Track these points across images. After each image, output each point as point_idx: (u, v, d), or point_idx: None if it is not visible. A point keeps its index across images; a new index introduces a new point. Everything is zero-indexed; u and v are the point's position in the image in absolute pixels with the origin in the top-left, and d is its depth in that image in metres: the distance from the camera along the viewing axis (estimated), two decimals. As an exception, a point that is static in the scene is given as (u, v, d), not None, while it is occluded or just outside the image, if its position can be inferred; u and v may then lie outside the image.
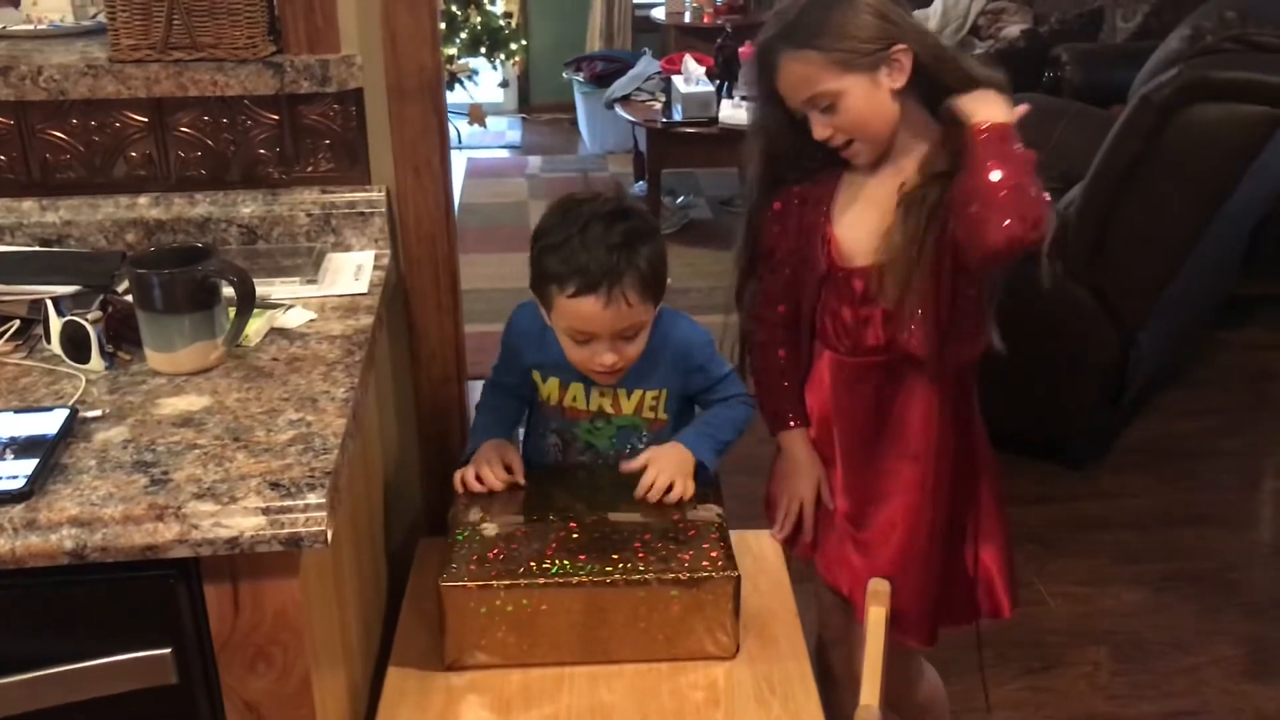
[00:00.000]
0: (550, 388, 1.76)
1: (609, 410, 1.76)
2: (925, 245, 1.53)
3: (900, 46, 1.51)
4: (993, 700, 2.10)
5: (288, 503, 1.15)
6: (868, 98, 1.53)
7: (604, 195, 1.64)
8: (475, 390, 1.87)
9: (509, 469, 1.71)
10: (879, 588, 1.66)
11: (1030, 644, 2.49)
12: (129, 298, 1.49)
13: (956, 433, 1.68)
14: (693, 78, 4.83)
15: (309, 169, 1.76)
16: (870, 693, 1.53)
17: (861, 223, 1.62)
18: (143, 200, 1.73)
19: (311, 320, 1.55)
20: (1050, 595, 2.68)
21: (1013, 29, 4.78)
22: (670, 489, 1.66)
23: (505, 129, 6.52)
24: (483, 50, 6.13)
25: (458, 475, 1.70)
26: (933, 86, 1.55)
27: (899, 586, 1.68)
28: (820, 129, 1.57)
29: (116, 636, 1.17)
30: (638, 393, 1.74)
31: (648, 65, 5.36)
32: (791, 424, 1.77)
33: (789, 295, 1.73)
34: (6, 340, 1.46)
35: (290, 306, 1.57)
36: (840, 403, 1.71)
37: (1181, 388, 3.63)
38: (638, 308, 1.59)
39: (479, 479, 1.69)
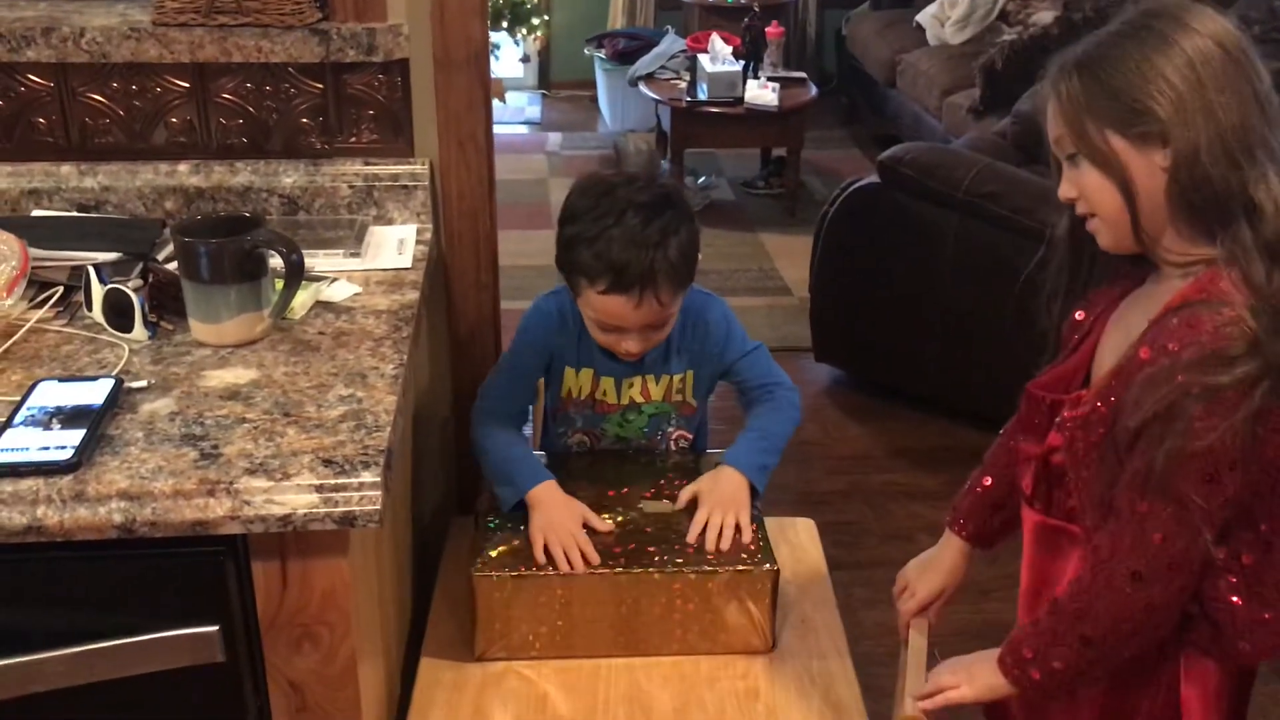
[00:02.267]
0: (583, 380, 1.71)
1: (639, 399, 1.72)
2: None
3: (1151, 158, 1.16)
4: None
5: (342, 480, 1.12)
6: (1115, 168, 1.18)
7: (638, 176, 1.58)
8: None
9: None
10: (921, 621, 1.57)
11: None
12: (170, 266, 1.46)
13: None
14: (719, 57, 4.78)
15: (352, 140, 1.73)
16: (907, 707, 1.48)
17: (1101, 352, 1.31)
18: (183, 168, 1.70)
19: (356, 294, 1.52)
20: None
21: (1045, 15, 4.71)
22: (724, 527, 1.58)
23: (525, 105, 6.46)
24: (504, 25, 6.07)
25: (539, 544, 1.52)
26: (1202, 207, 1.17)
27: None
28: (1064, 185, 1.25)
29: (164, 612, 1.15)
30: (665, 378, 1.71)
31: (672, 43, 5.31)
32: (955, 527, 1.55)
33: None
34: (50, 306, 1.43)
35: (335, 279, 1.54)
36: (1024, 548, 1.46)
37: None
38: (670, 305, 1.56)
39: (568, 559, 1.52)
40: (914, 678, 1.49)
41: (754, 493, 1.63)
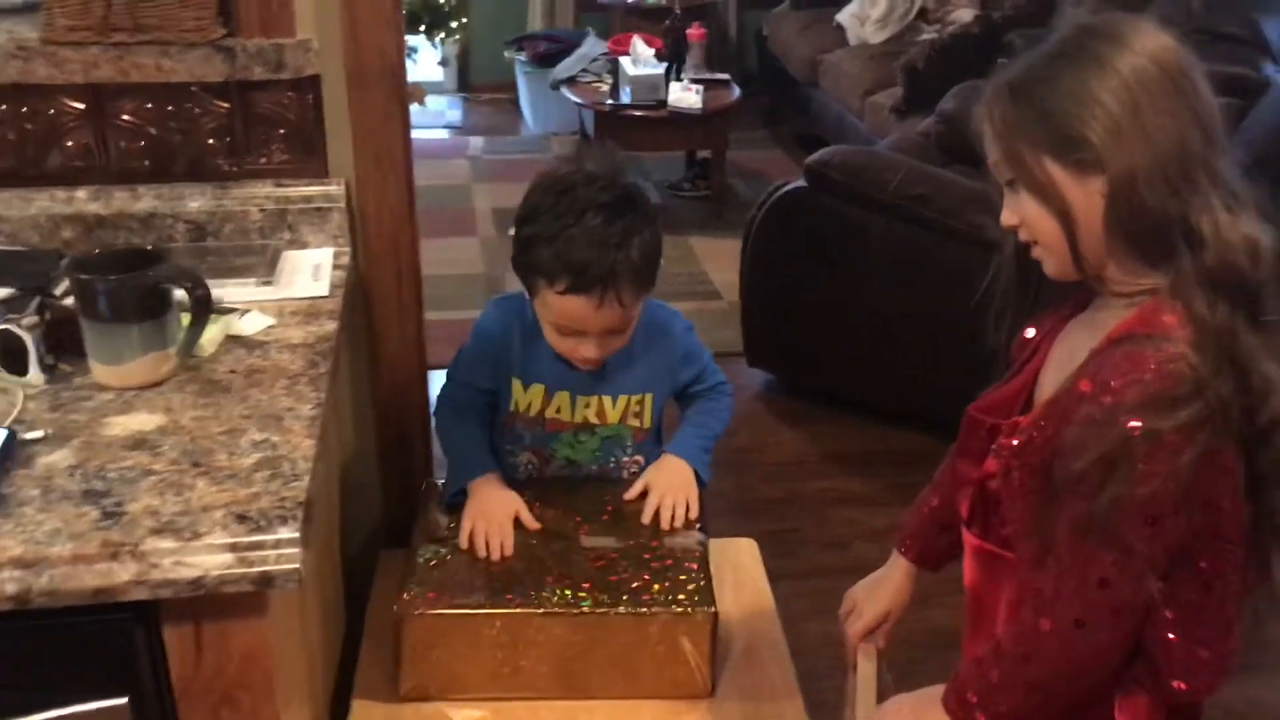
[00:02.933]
0: (532, 396, 1.64)
1: (594, 420, 1.65)
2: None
3: (1089, 186, 1.11)
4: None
5: (257, 538, 1.05)
6: (1053, 196, 1.13)
7: (599, 175, 1.52)
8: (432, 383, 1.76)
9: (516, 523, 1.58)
10: (869, 646, 1.53)
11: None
12: (68, 301, 1.37)
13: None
14: (641, 59, 4.72)
15: (262, 160, 1.65)
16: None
17: (1045, 375, 1.27)
18: (81, 194, 1.61)
19: (270, 326, 1.44)
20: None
21: (964, 13, 4.74)
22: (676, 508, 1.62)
23: (445, 109, 6.35)
24: (422, 28, 5.97)
25: (466, 530, 1.54)
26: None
27: None
28: (1005, 213, 1.20)
29: (67, 686, 1.06)
30: (623, 398, 1.65)
31: (593, 46, 5.25)
32: (902, 548, 1.50)
33: None
34: (-67, 351, 1.33)
35: (246, 311, 1.45)
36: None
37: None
38: (632, 305, 1.51)
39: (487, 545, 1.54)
40: (863, 707, 1.45)
41: (699, 480, 1.65)
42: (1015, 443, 1.20)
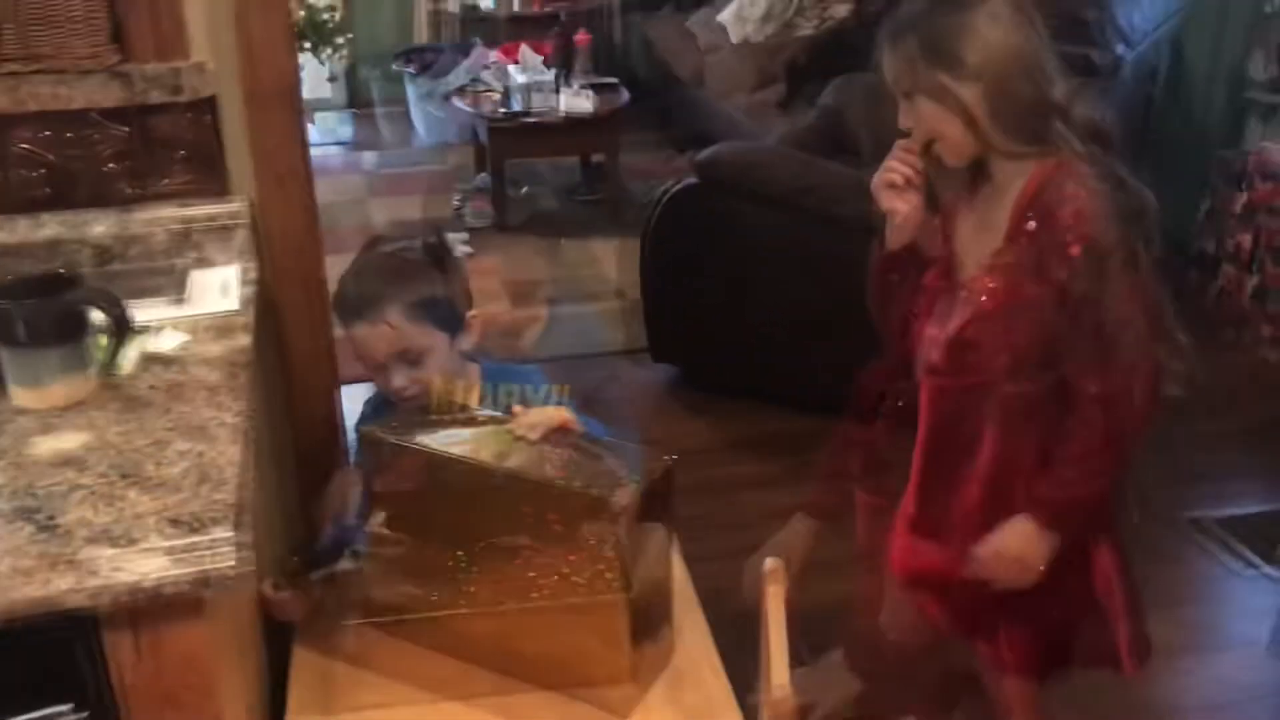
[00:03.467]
0: None
1: None
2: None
3: (972, 89, 1.47)
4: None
5: (193, 539, 1.09)
6: (950, 97, 1.48)
7: (405, 238, 1.72)
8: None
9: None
10: (774, 566, 1.66)
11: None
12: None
13: (1036, 472, 1.60)
14: (530, 67, 4.79)
15: (164, 182, 1.68)
16: (780, 671, 1.55)
17: (966, 244, 1.59)
18: (-18, 224, 1.62)
19: (185, 343, 1.47)
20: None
21: (840, 8, 4.89)
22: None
23: (336, 125, 6.33)
24: (307, 46, 5.93)
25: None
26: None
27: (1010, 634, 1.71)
28: (903, 116, 1.54)
29: (12, 698, 1.09)
30: None
31: (481, 55, 5.29)
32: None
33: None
34: None
35: (161, 329, 1.49)
36: (921, 412, 1.70)
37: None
38: (405, 329, 1.61)
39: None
40: (777, 656, 1.54)
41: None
42: (990, 286, 1.54)
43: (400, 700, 1.54)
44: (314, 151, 5.80)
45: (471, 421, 1.56)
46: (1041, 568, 1.58)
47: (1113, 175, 1.49)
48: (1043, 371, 1.54)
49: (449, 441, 1.52)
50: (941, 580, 1.72)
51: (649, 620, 1.56)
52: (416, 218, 4.96)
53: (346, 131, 6.27)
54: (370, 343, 1.63)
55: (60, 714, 1.10)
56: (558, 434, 1.53)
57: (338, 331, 1.88)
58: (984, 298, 1.54)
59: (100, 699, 1.13)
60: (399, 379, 1.64)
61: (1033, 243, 1.49)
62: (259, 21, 1.63)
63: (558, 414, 1.54)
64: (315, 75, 6.21)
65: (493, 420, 1.55)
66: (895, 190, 1.57)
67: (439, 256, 1.68)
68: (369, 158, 5.86)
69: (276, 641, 1.70)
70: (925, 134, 1.53)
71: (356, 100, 6.51)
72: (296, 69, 1.70)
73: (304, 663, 1.63)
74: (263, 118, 1.68)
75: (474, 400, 1.60)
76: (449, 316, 1.66)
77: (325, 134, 6.17)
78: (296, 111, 1.70)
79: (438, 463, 1.50)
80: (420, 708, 1.54)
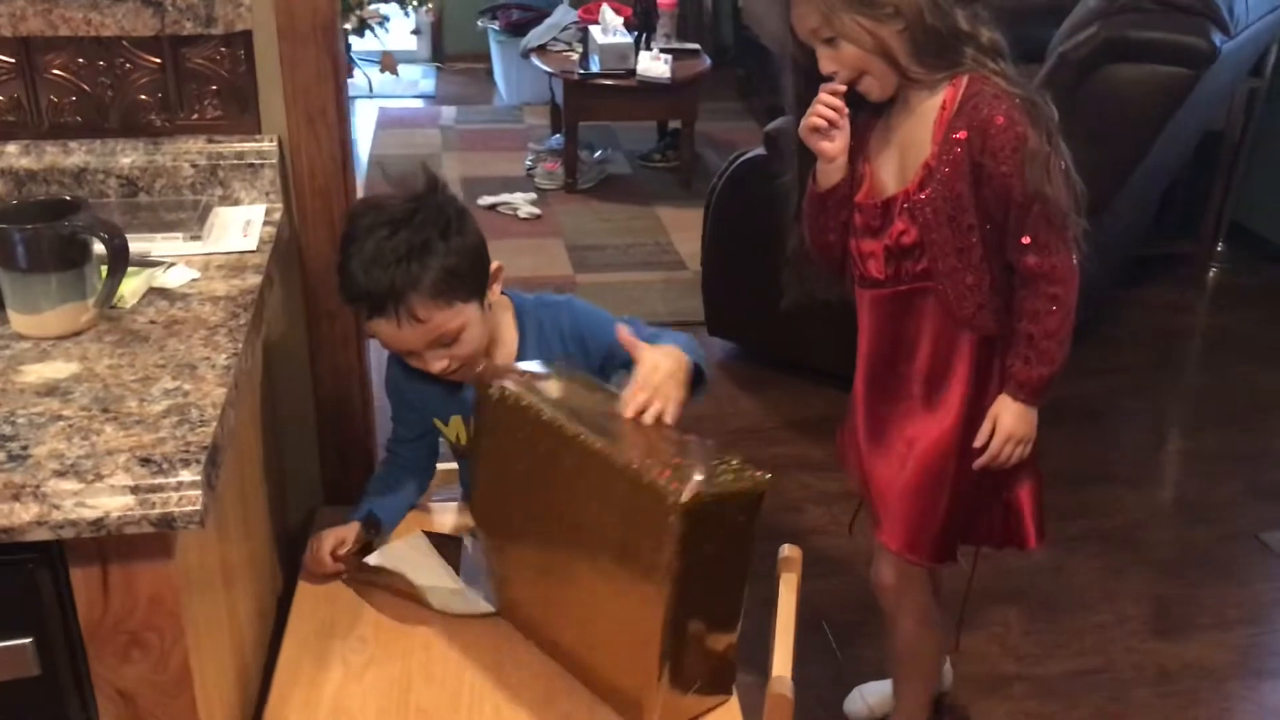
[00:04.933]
0: (454, 428, 1.68)
1: None
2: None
3: (893, 27, 1.53)
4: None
5: (159, 480, 1.06)
6: (871, 39, 1.54)
7: (393, 197, 1.51)
8: (374, 351, 1.78)
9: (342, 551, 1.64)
10: (791, 553, 1.63)
11: (940, 605, 2.48)
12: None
13: (977, 365, 1.71)
14: (610, 28, 4.71)
15: (194, 116, 1.65)
16: (782, 663, 1.49)
17: (886, 161, 1.66)
18: (11, 148, 1.61)
19: (194, 280, 1.45)
20: (959, 554, 2.67)
21: (932, -15, 4.75)
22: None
23: (419, 78, 6.33)
24: (394, -3, 5.93)
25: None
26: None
27: (908, 506, 1.79)
28: (825, 62, 1.59)
29: (-31, 626, 1.07)
30: None
31: (564, 14, 5.23)
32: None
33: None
34: None
35: (171, 265, 1.46)
36: (863, 329, 1.78)
37: (1090, 346, 3.66)
38: (436, 317, 1.49)
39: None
40: (781, 646, 1.48)
41: (700, 378, 1.50)
42: (925, 194, 1.60)
43: (395, 656, 1.52)
44: (394, 103, 5.86)
45: (591, 387, 1.47)
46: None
47: (1022, 84, 1.59)
48: (985, 264, 1.63)
49: (558, 405, 1.39)
50: (888, 484, 1.82)
51: (701, 665, 1.39)
52: (486, 175, 4.94)
53: (429, 85, 6.28)
54: (399, 337, 1.51)
55: (21, 647, 1.08)
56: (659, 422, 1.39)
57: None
58: (925, 207, 1.61)
59: (65, 635, 1.11)
60: (438, 363, 1.54)
61: (966, 149, 1.56)
62: (297, -45, 1.59)
63: (662, 395, 1.40)
64: (400, 28, 6.22)
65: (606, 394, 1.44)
66: (821, 133, 1.63)
67: (442, 210, 1.52)
68: (448, 112, 5.85)
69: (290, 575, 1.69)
70: (848, 77, 1.59)
71: (441, 54, 6.51)
72: (335, 5, 1.65)
73: (305, 602, 1.62)
74: (297, 54, 1.63)
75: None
76: (475, 279, 1.53)
77: (407, 86, 6.18)
78: (332, 51, 1.65)
79: (540, 427, 1.38)
80: (420, 650, 1.52)
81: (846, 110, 1.62)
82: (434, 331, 1.50)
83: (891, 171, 1.66)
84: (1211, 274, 4.25)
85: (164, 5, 1.56)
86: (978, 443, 1.72)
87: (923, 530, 1.79)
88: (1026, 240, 1.59)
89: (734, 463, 1.33)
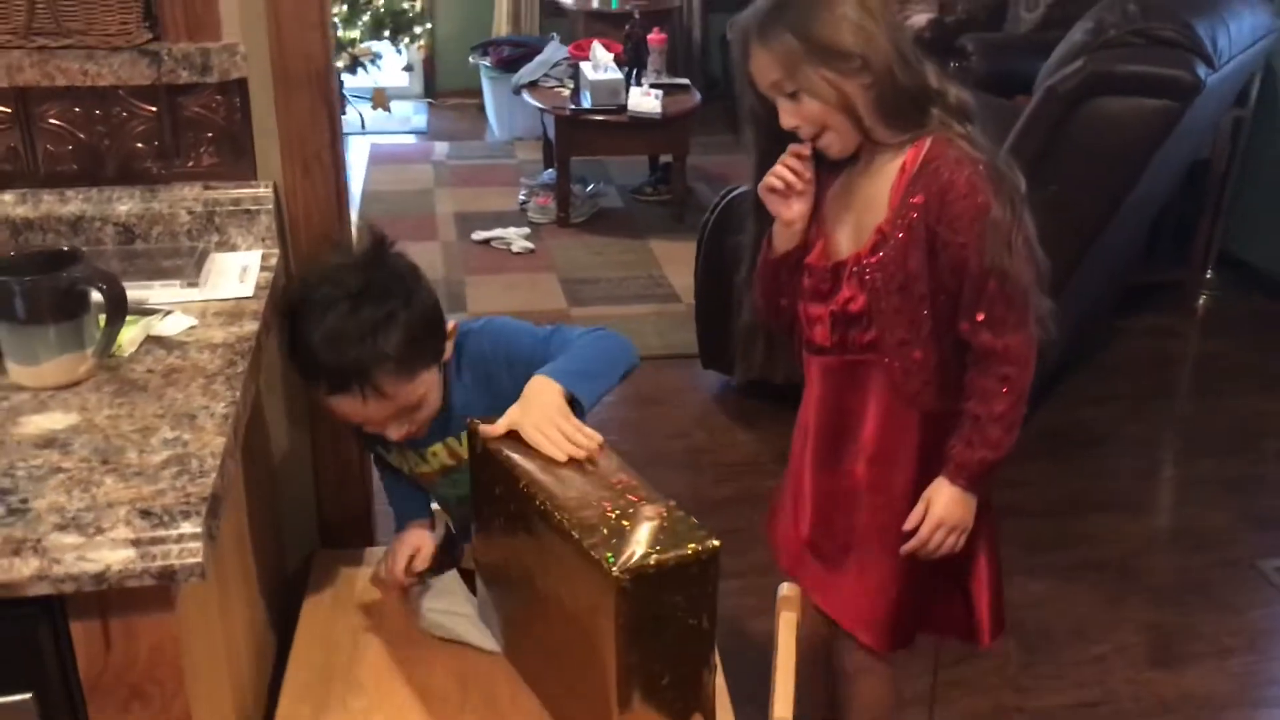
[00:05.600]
0: (398, 460, 1.69)
1: (451, 461, 1.63)
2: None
3: (859, 82, 1.46)
4: (905, 696, 2.08)
5: (160, 533, 1.06)
6: (835, 94, 1.47)
7: (342, 265, 1.48)
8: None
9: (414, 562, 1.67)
10: (790, 593, 1.62)
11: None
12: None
13: (924, 445, 1.62)
14: (601, 64, 4.75)
15: (190, 164, 1.66)
16: (783, 704, 1.49)
17: (842, 223, 1.58)
18: (8, 197, 1.61)
19: (191, 327, 1.45)
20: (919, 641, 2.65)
21: (919, 18, 4.79)
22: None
23: (410, 114, 6.37)
24: (386, 34, 5.98)
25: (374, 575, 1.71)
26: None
27: (857, 589, 1.71)
28: (786, 117, 1.51)
29: (-30, 682, 1.07)
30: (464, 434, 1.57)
31: (555, 51, 5.27)
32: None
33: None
34: None
35: (168, 313, 1.47)
36: (810, 397, 1.71)
37: (1085, 375, 3.67)
38: (402, 391, 1.47)
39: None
40: (781, 686, 1.48)
41: (576, 406, 1.45)
42: (876, 259, 1.53)
43: (394, 701, 1.52)
44: (386, 139, 5.89)
45: None
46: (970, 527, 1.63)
47: (989, 149, 1.51)
48: (935, 339, 1.55)
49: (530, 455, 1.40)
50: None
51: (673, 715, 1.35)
52: (479, 210, 4.96)
53: (421, 120, 6.31)
54: (361, 413, 1.48)
55: (21, 703, 1.08)
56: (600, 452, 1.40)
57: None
58: (876, 273, 1.53)
59: (65, 688, 1.11)
60: (398, 432, 1.52)
61: (922, 215, 1.48)
62: (291, 5, 1.60)
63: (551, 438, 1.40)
64: (392, 64, 6.26)
65: None
66: (779, 195, 1.55)
67: (397, 273, 1.48)
68: (440, 147, 5.88)
69: (288, 620, 1.68)
70: (810, 132, 1.51)
71: (433, 90, 6.55)
72: (329, 53, 1.67)
73: (306, 643, 1.61)
74: (292, 101, 1.65)
75: (452, 459, 1.61)
76: (434, 343, 1.50)
77: (400, 122, 6.21)
78: (327, 96, 1.66)
79: (511, 482, 1.39)
80: (419, 689, 1.52)
81: (811, 176, 1.54)
82: (399, 404, 1.48)
83: (846, 233, 1.58)
84: (1202, 301, 4.28)
85: (160, 55, 1.57)
86: (907, 526, 1.62)
87: (873, 612, 1.72)
88: (980, 317, 1.51)
89: (682, 523, 1.29)
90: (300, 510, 1.87)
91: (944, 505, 1.60)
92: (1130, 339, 3.97)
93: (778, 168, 1.54)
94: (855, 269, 1.56)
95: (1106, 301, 3.81)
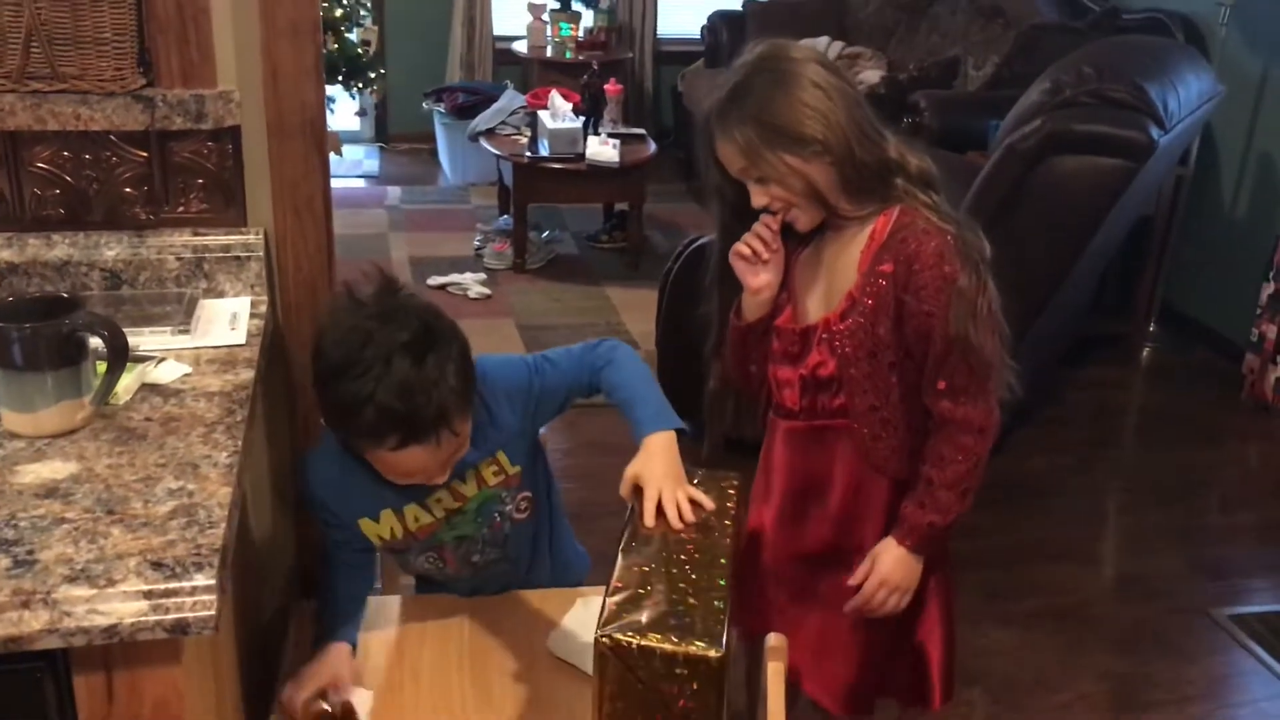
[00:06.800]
0: (386, 526, 1.61)
1: (456, 504, 1.62)
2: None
3: (821, 163, 1.49)
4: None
5: (173, 585, 1.05)
6: (799, 177, 1.50)
7: (390, 311, 1.45)
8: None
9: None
10: (777, 643, 1.63)
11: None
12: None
13: (891, 511, 1.64)
14: (559, 113, 4.79)
15: (180, 209, 1.65)
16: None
17: (812, 287, 1.61)
18: (-8, 241, 1.59)
19: (186, 375, 1.44)
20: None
21: (872, 75, 4.90)
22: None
23: (363, 158, 6.35)
24: (339, 78, 5.97)
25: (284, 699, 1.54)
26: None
27: (821, 650, 1.70)
28: (757, 197, 1.54)
29: (-27, 738, 1.04)
30: (470, 472, 1.60)
31: (511, 99, 5.30)
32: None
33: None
34: None
35: (162, 360, 1.45)
36: (777, 462, 1.71)
37: (1034, 426, 3.75)
38: (466, 427, 1.48)
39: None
40: (774, 704, 1.49)
41: (681, 433, 1.53)
42: (845, 325, 1.56)
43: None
44: (339, 183, 5.82)
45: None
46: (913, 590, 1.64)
47: (954, 218, 1.54)
48: (904, 406, 1.58)
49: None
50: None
51: None
52: (434, 255, 4.95)
53: (373, 165, 6.29)
54: (427, 462, 1.46)
55: (22, 758, 1.06)
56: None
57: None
58: (846, 339, 1.56)
59: (66, 744, 1.09)
60: (444, 475, 1.51)
61: (890, 283, 1.51)
62: (287, 53, 1.61)
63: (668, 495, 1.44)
64: (345, 109, 6.25)
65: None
66: (748, 264, 1.57)
67: (426, 312, 1.47)
68: (393, 192, 5.87)
69: (267, 673, 1.65)
70: (780, 208, 1.54)
71: (384, 135, 6.54)
72: (323, 102, 1.68)
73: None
74: (284, 149, 1.65)
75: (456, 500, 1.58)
76: (474, 374, 1.51)
77: (350, 166, 6.19)
78: (320, 144, 1.67)
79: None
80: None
81: (779, 246, 1.57)
82: (461, 442, 1.48)
83: (816, 298, 1.61)
84: (1145, 353, 4.39)
85: (155, 101, 1.56)
86: (852, 581, 1.63)
87: (834, 678, 1.73)
88: (942, 385, 1.53)
89: (707, 620, 1.26)
90: (278, 559, 1.84)
91: (889, 565, 1.61)
92: (1077, 390, 4.07)
93: (748, 236, 1.56)
94: (825, 334, 1.58)
95: (1058, 354, 3.91)
